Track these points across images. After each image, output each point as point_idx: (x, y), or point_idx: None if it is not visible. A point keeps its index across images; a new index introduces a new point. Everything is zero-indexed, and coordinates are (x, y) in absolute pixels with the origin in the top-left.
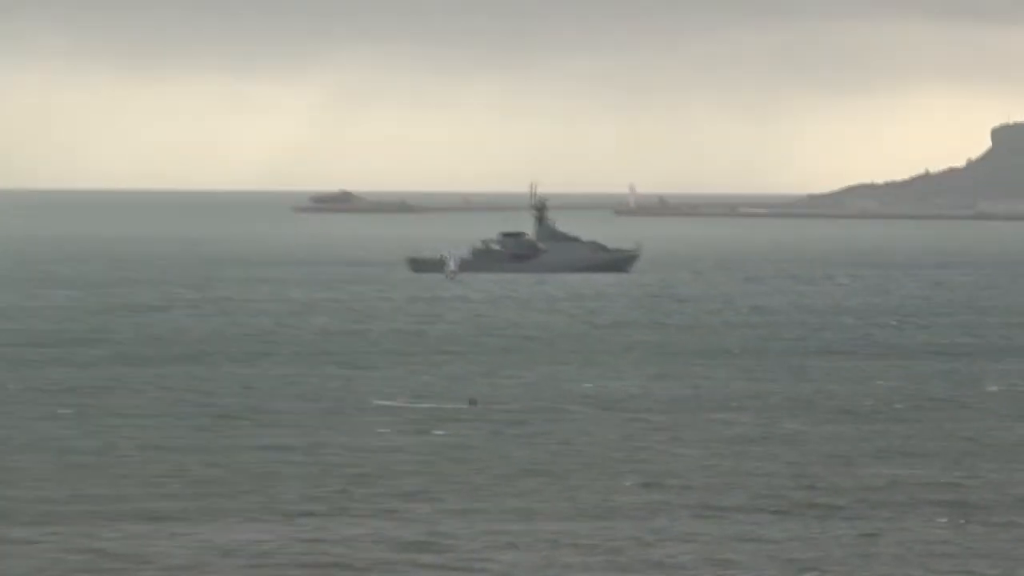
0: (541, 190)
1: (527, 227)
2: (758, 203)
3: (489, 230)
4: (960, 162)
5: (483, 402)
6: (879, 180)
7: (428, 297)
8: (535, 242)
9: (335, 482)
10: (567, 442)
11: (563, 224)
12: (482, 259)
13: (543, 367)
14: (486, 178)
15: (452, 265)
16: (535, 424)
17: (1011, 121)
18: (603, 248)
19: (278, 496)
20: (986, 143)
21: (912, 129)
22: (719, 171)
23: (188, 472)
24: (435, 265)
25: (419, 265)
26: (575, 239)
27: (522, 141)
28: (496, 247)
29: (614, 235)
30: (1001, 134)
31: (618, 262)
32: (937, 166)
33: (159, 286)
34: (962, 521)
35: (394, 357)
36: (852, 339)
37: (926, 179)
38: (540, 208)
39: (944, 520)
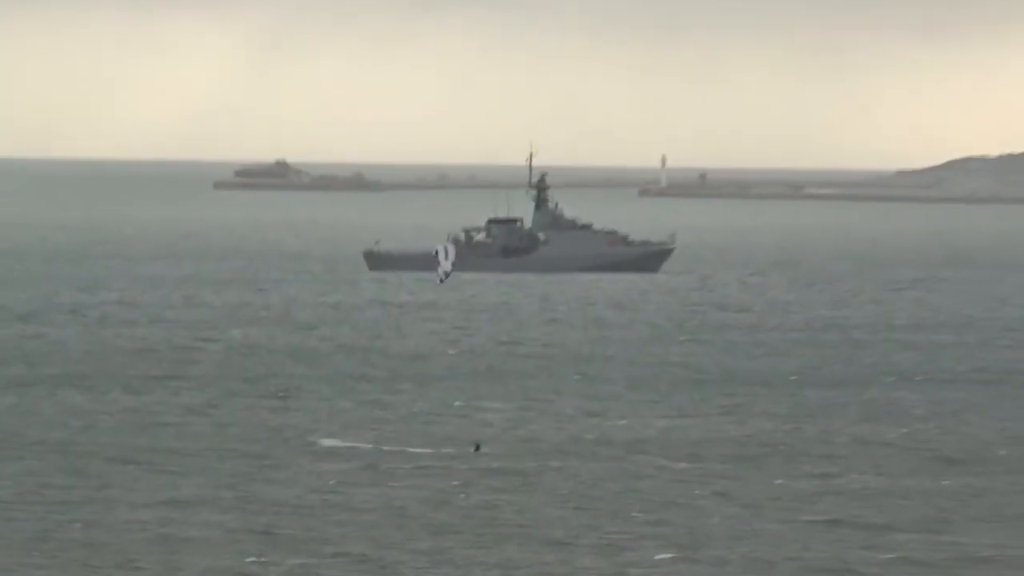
0: (541, 161)
1: (523, 211)
2: (829, 181)
3: (473, 215)
4: None
5: (456, 443)
6: (991, 152)
7: (389, 303)
8: (533, 232)
9: (257, 547)
10: (568, 497)
11: (571, 207)
12: (464, 254)
13: (539, 397)
14: (468, 147)
15: (446, 263)
16: (526, 473)
17: None
18: (624, 240)
19: (180, 565)
20: None
21: None
22: (777, 139)
23: (60, 534)
24: (402, 261)
25: (379, 261)
26: (587, 227)
27: (515, 97)
28: (482, 238)
29: (639, 222)
30: None
31: (644, 258)
32: None
33: (31, 286)
34: None
35: (343, 383)
36: (948, 364)
37: None
38: (540, 186)
39: None
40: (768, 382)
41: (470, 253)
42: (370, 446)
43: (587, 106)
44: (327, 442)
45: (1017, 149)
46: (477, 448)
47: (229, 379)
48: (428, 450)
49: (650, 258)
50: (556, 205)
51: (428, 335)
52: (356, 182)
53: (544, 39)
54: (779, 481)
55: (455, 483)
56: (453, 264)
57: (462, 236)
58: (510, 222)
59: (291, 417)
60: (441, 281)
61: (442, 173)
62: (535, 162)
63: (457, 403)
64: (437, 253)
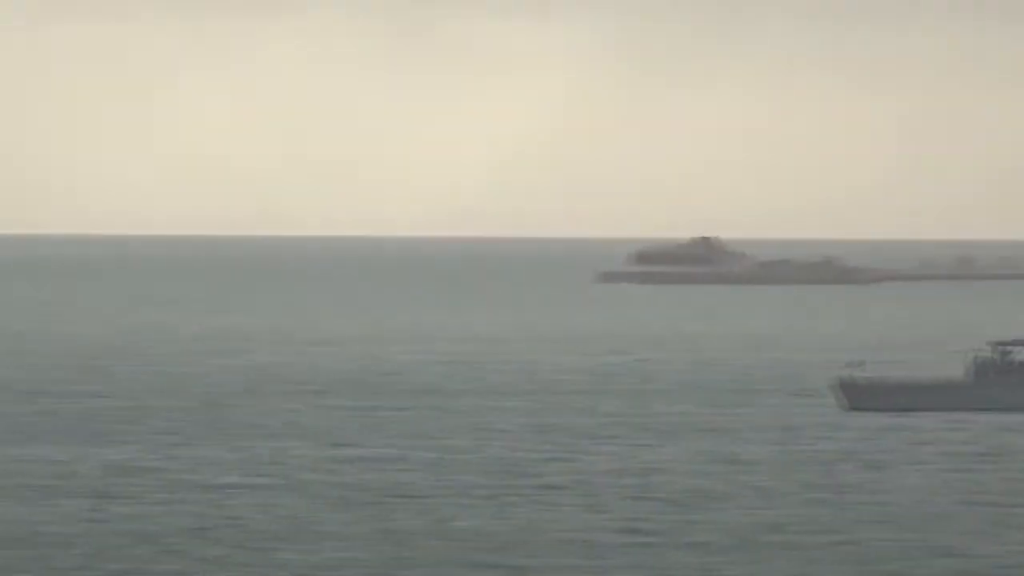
0: None
1: None
2: None
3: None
4: None
5: None
6: None
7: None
8: None
9: None
10: None
11: None
12: (993, 381)
13: None
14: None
15: None
16: None
17: None
18: None
19: None
20: None
21: None
22: None
23: None
24: (903, 393)
25: (863, 393)
26: None
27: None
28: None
29: None
30: None
31: None
32: None
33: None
34: None
35: None
36: None
37: None
38: None
39: None
40: None
41: (1005, 380)
42: None
43: None
44: None
45: None
46: None
47: None
48: None
49: None
50: None
51: None
52: (824, 271)
53: None
54: None
55: None
56: None
57: (990, 353)
58: None
59: None
60: None
61: (961, 255)
62: None
63: None
64: None
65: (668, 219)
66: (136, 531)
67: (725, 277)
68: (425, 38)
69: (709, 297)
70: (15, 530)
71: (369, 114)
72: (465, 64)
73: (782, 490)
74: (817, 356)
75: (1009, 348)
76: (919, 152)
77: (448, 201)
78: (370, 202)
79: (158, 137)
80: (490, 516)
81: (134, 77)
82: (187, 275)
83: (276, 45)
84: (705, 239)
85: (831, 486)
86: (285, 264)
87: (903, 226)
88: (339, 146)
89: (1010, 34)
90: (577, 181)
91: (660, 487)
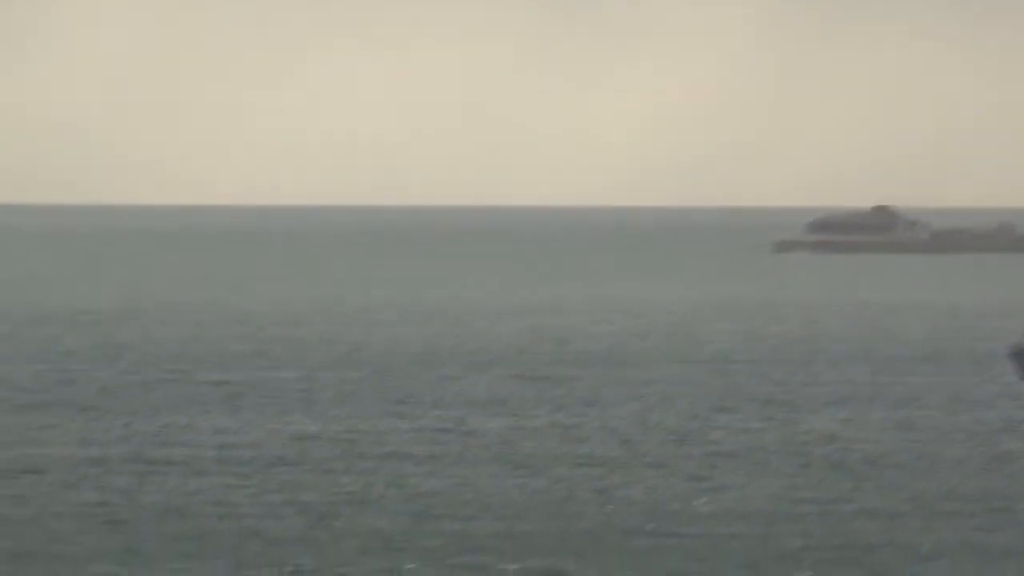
0: None
1: None
2: None
3: None
4: None
5: None
6: None
7: None
8: None
9: None
10: None
11: None
12: None
13: None
14: None
15: None
16: None
17: None
18: None
19: None
20: None
21: None
22: None
23: None
24: None
25: None
26: None
27: None
28: None
29: None
30: None
31: None
32: None
33: None
34: None
35: None
36: None
37: None
38: None
39: None
40: None
41: None
42: None
43: None
44: None
45: None
46: None
47: None
48: None
49: None
50: None
51: None
52: (1000, 239)
53: None
54: None
55: None
56: None
57: None
58: None
59: None
60: None
61: None
62: None
63: None
64: None
65: (840, 188)
66: (300, 501)
67: (901, 246)
68: (588, 12)
69: (885, 266)
70: (180, 501)
71: (530, 88)
72: (629, 36)
73: (952, 457)
74: (993, 324)
75: None
76: None
77: (619, 172)
78: (540, 173)
79: (324, 110)
80: (657, 484)
81: (277, 50)
82: (358, 245)
83: (446, 22)
84: (883, 208)
85: (1000, 455)
86: (459, 235)
87: None
88: (505, 121)
89: None
90: (750, 150)
91: (829, 455)
